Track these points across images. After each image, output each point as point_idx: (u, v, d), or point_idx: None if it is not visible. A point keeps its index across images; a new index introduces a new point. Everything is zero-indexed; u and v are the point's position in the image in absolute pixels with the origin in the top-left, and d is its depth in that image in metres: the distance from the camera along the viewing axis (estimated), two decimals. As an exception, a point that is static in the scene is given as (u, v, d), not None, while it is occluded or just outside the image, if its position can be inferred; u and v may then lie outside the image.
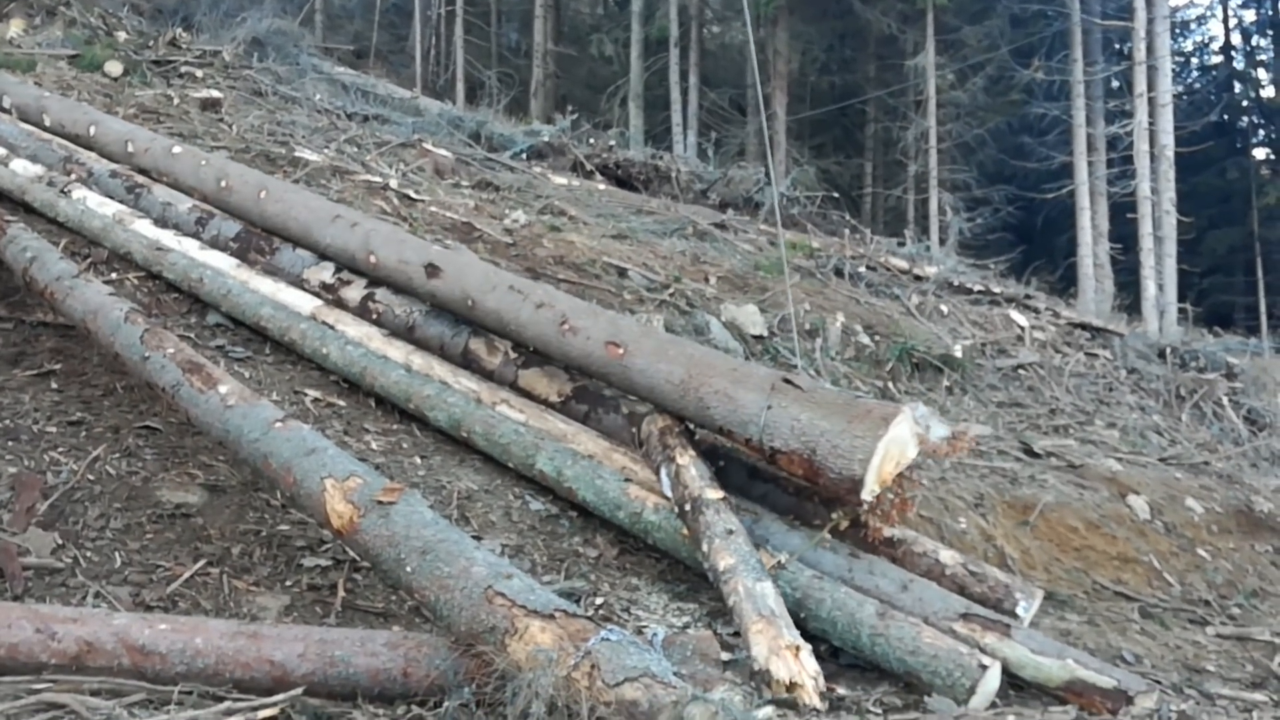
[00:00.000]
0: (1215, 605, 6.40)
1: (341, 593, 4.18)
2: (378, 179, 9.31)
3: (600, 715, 2.75)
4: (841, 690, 4.14)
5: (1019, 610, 4.81)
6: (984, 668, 4.14)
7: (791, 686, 3.84)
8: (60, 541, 4.15)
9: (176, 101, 10.71)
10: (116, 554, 4.17)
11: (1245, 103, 33.50)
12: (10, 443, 4.74)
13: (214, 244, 6.82)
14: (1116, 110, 22.46)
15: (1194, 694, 4.89)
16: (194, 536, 4.37)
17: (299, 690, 3.14)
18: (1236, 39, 34.32)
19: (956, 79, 25.06)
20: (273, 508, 4.64)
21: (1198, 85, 35.14)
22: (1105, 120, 22.90)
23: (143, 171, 7.59)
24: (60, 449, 4.77)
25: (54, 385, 5.33)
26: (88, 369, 5.50)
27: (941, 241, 19.00)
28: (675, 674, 2.99)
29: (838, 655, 4.46)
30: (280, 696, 3.09)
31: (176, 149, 7.59)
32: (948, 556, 5.03)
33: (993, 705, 4.11)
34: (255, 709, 3.02)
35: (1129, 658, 5.37)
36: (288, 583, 4.21)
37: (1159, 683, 4.83)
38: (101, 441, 4.87)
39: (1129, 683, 4.38)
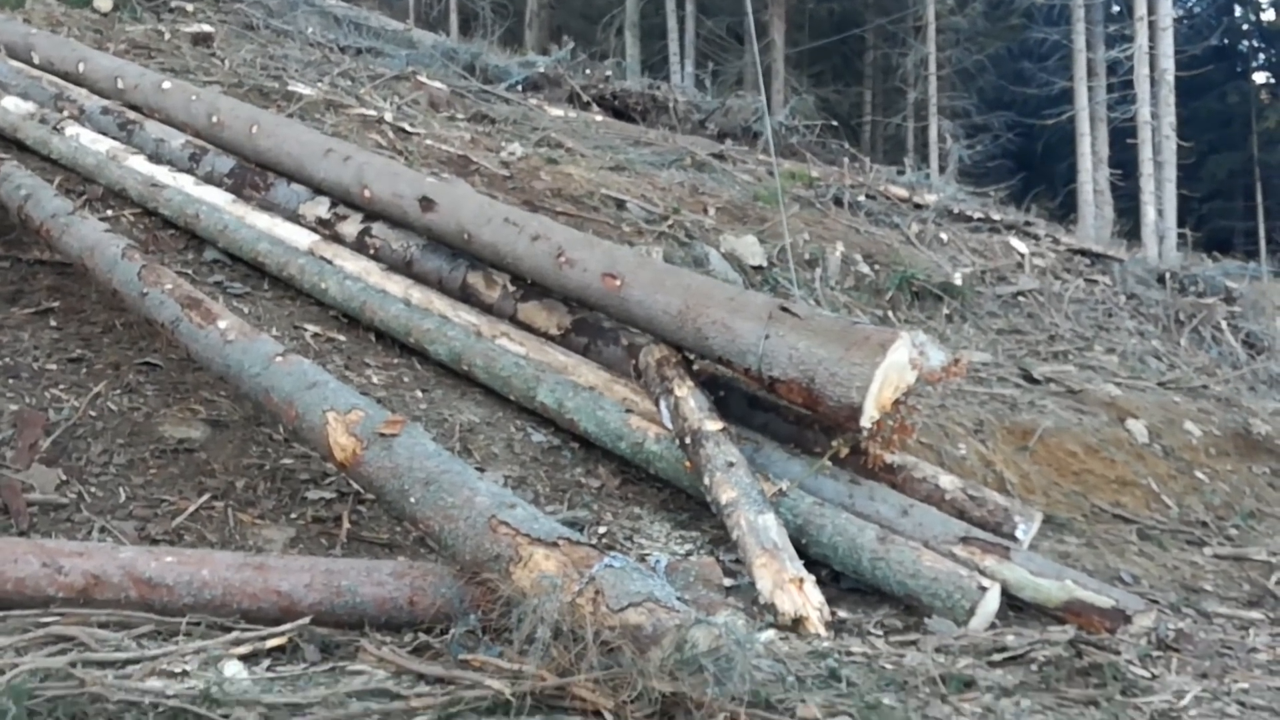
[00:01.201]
0: (1213, 526, 6.47)
1: (346, 524, 4.21)
2: (372, 113, 9.19)
3: (605, 640, 2.78)
4: (843, 613, 4.20)
5: (1018, 533, 4.86)
6: (983, 589, 4.19)
7: (797, 620, 3.89)
8: (64, 477, 4.17)
9: (167, 36, 10.54)
10: (121, 489, 4.19)
11: (1245, 26, 33.09)
12: (11, 380, 4.74)
13: (209, 180, 6.76)
14: (1117, 34, 22.16)
15: (1191, 613, 4.96)
16: (198, 471, 4.39)
17: (306, 619, 3.17)
18: (1238, -40, 33.75)
19: (956, 4, 24.69)
20: (275, 442, 4.66)
21: (1198, 9, 34.55)
22: (1105, 45, 22.58)
23: (134, 108, 7.51)
24: (61, 386, 4.77)
25: (53, 322, 5.32)
26: (86, 306, 5.48)
27: (941, 169, 18.89)
28: (679, 599, 3.02)
29: (839, 579, 4.52)
30: (288, 626, 3.12)
31: (166, 84, 7.49)
32: (947, 481, 5.07)
33: (992, 626, 4.17)
34: (263, 638, 3.05)
35: (1127, 578, 5.44)
36: (292, 515, 4.25)
37: (1156, 602, 4.89)
38: (102, 378, 4.87)
39: (1127, 602, 4.44)
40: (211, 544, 3.96)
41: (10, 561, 3.15)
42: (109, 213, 6.41)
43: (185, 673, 2.79)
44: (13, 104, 7.53)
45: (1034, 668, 3.55)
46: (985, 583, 4.23)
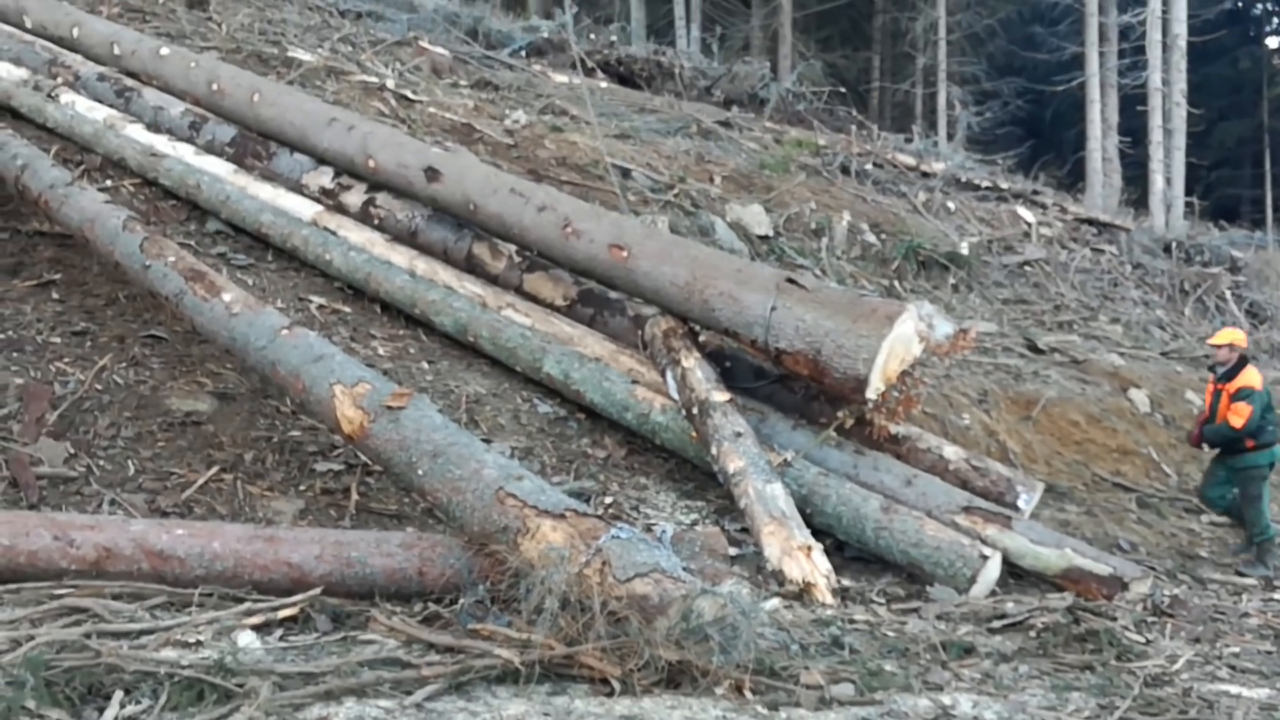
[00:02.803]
0: (1211, 494, 6.49)
1: (355, 496, 4.25)
2: (374, 79, 9.15)
3: (612, 610, 2.81)
4: (846, 582, 4.24)
5: (1020, 503, 4.90)
6: (985, 558, 4.23)
7: (805, 586, 3.93)
8: (72, 451, 4.20)
9: (162, 0, 10.45)
10: (129, 462, 4.22)
11: (1260, -11, 32.65)
12: (15, 354, 4.75)
13: (209, 149, 6.74)
14: (1130, -2, 21.89)
15: (1187, 579, 5.01)
16: (206, 444, 4.42)
17: (317, 590, 3.21)
18: (1252, -78, 33.25)
19: (966, -33, 24.42)
20: (283, 414, 4.68)
21: (1212, -28, 34.16)
22: (1118, 9, 22.33)
23: (131, 74, 7.45)
24: (66, 359, 4.78)
25: (55, 295, 5.32)
26: (88, 278, 5.48)
27: (950, 137, 18.74)
28: (684, 569, 3.05)
29: (843, 548, 4.56)
30: (299, 596, 3.16)
31: (165, 50, 7.43)
32: (951, 452, 5.10)
33: (993, 593, 4.22)
34: (275, 609, 3.09)
35: (1125, 546, 5.49)
36: (301, 487, 4.28)
37: (1153, 569, 4.94)
38: (107, 351, 4.88)
39: (1124, 569, 4.49)
40: (221, 516, 4.00)
41: (22, 535, 3.18)
42: (108, 183, 6.39)
43: (199, 643, 2.83)
44: (5, 70, 7.43)
45: (1032, 634, 3.60)
46: (987, 551, 4.27)
